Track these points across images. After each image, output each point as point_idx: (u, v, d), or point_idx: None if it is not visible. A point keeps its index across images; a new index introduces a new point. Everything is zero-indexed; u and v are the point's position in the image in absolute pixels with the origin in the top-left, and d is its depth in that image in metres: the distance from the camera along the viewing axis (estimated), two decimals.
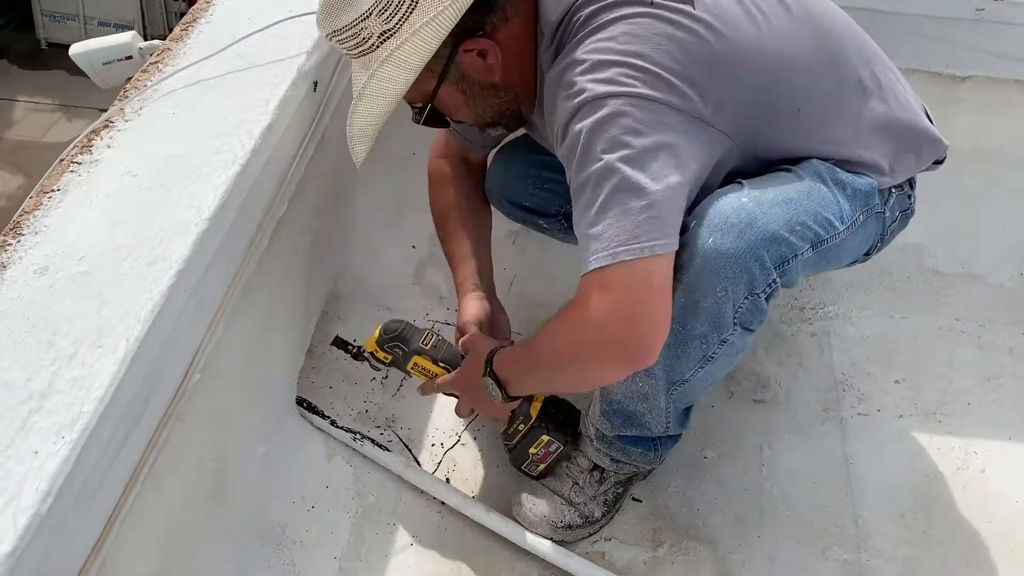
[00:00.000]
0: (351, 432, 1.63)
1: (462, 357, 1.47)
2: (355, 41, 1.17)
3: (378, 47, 1.15)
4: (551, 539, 1.48)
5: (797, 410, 1.73)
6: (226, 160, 1.27)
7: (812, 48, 1.24)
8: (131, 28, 3.99)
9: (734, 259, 1.14)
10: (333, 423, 1.64)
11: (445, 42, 1.16)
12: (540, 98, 1.28)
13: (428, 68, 1.18)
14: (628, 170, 1.06)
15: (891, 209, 1.38)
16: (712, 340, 1.23)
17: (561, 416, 1.52)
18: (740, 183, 1.21)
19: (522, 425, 1.49)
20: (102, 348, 1.03)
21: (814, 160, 1.27)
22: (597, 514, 1.51)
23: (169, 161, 1.27)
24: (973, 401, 1.75)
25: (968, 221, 1.99)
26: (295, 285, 1.63)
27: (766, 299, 1.20)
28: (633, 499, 1.58)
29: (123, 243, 1.15)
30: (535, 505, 1.50)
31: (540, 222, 1.67)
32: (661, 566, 1.50)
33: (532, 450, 1.51)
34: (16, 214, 1.20)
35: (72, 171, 1.26)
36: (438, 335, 1.53)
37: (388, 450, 1.62)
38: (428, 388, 1.53)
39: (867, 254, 1.43)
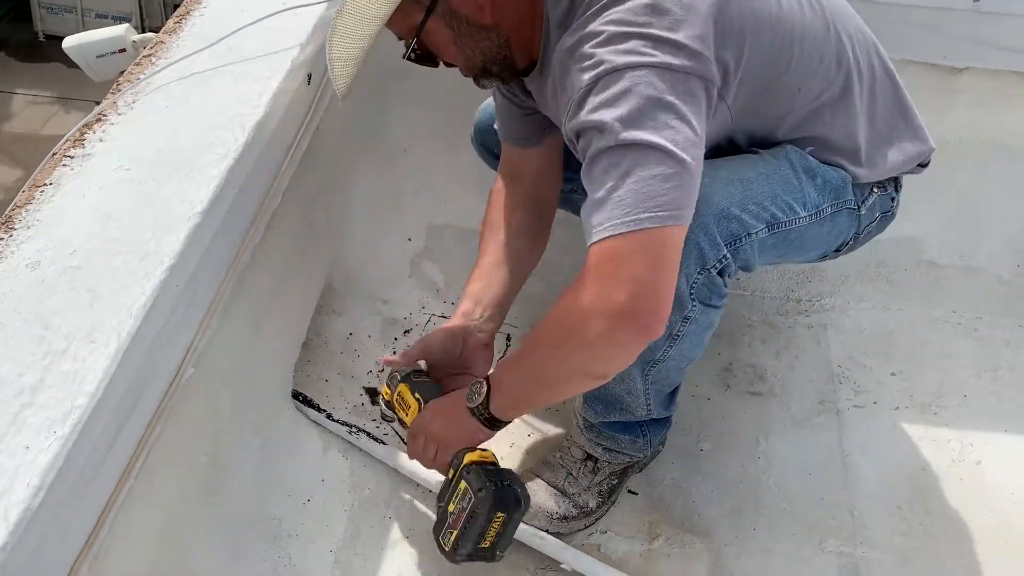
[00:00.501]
0: (347, 425, 1.63)
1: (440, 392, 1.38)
2: None
3: None
4: (547, 531, 1.48)
5: (793, 402, 1.73)
6: (219, 154, 1.27)
7: (821, 28, 1.24)
8: (129, 21, 3.98)
9: None
10: (329, 416, 1.64)
11: None
12: (543, 59, 1.24)
13: None
14: (651, 139, 1.03)
15: (869, 209, 1.38)
16: (674, 317, 1.21)
17: (495, 474, 1.29)
18: None
19: (451, 471, 1.31)
20: (94, 343, 1.02)
21: (787, 146, 1.27)
22: (592, 505, 1.51)
23: (162, 155, 1.27)
24: (970, 393, 1.75)
25: (965, 213, 1.98)
26: (290, 278, 1.63)
27: (719, 274, 1.20)
28: (629, 491, 1.58)
29: (115, 237, 1.15)
30: (530, 496, 1.50)
31: None
32: (657, 559, 1.49)
33: (451, 507, 1.30)
34: (8, 208, 1.20)
35: (65, 165, 1.25)
36: (434, 381, 1.42)
37: (384, 443, 1.62)
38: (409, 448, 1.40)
39: (838, 250, 1.43)
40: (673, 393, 1.46)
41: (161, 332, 1.11)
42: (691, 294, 1.21)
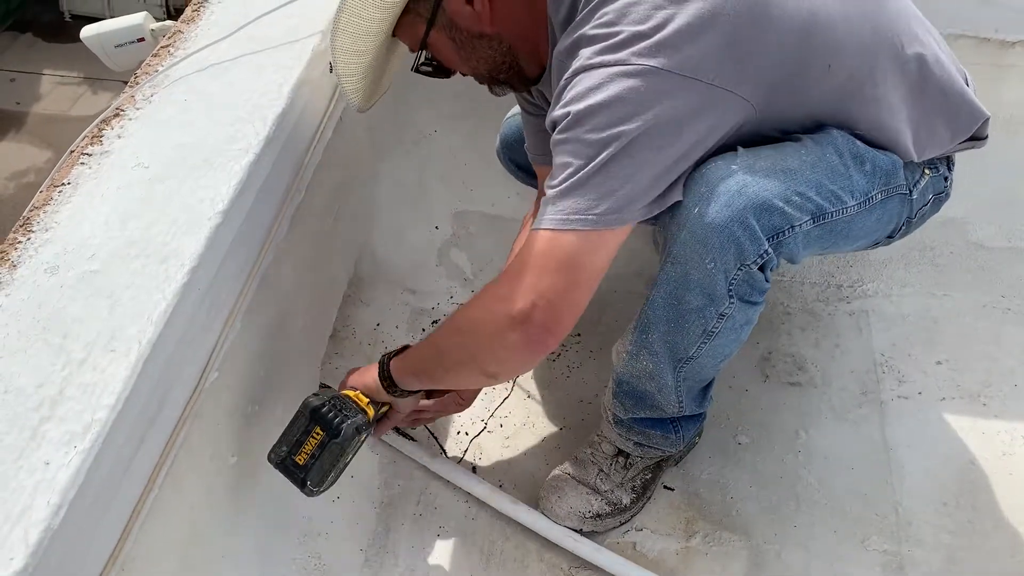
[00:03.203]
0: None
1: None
2: None
3: None
4: (579, 531, 1.45)
5: (834, 393, 1.68)
6: (240, 149, 1.24)
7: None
8: (154, 1, 3.92)
9: (720, 229, 1.11)
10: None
11: None
12: (550, 65, 1.21)
13: (416, 12, 1.16)
14: (606, 144, 1.03)
15: (921, 192, 1.32)
16: (709, 314, 1.20)
17: (344, 405, 1.30)
18: (736, 150, 1.16)
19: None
20: (114, 352, 1.00)
21: (833, 131, 1.21)
22: (626, 501, 1.48)
23: (181, 151, 1.23)
24: (1020, 382, 1.68)
25: (1015, 193, 1.89)
26: (316, 272, 1.59)
27: (760, 269, 1.16)
28: (665, 487, 1.54)
29: (135, 239, 1.12)
30: (562, 496, 1.46)
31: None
32: (694, 557, 1.46)
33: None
34: (27, 209, 1.17)
35: (82, 163, 1.22)
36: None
37: (414, 439, 1.59)
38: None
39: (890, 236, 1.36)
40: (706, 388, 1.41)
41: (183, 337, 1.08)
42: (729, 291, 1.17)
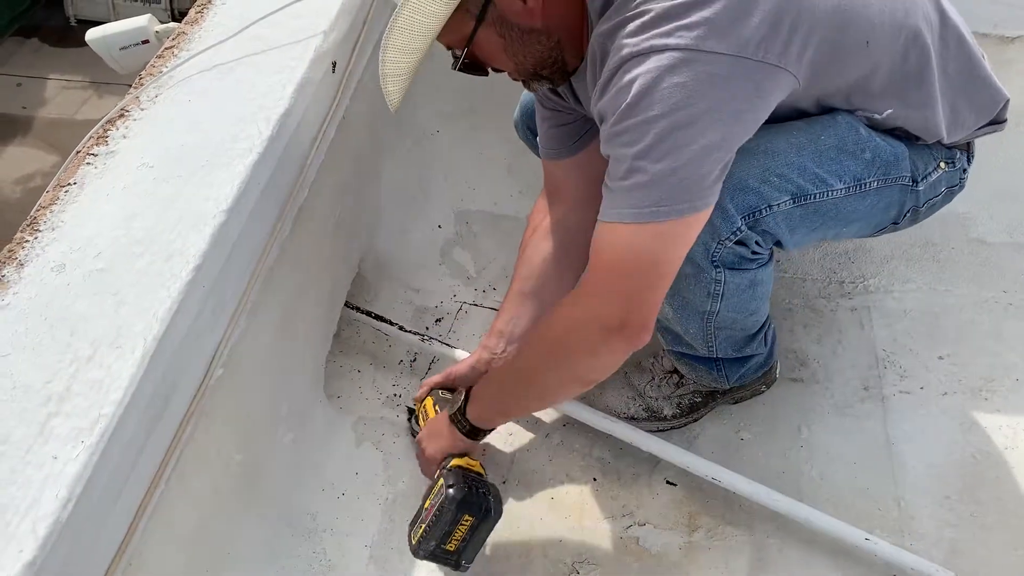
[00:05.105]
0: (418, 334, 1.71)
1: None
2: None
3: None
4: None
5: (836, 389, 1.68)
6: (243, 149, 1.25)
7: None
8: (159, 4, 3.93)
9: None
10: (401, 328, 1.72)
11: None
12: (586, 54, 1.21)
13: (465, 9, 1.14)
14: (666, 133, 1.03)
15: (932, 185, 1.33)
16: (704, 279, 1.26)
17: (474, 480, 1.34)
18: None
19: (436, 472, 1.37)
20: (120, 348, 1.01)
21: (839, 116, 1.23)
22: (666, 412, 1.55)
23: (185, 151, 1.25)
24: (1022, 377, 1.68)
25: (1017, 188, 1.90)
26: (319, 271, 1.60)
27: (738, 244, 1.21)
28: (667, 483, 1.55)
29: (140, 238, 1.13)
30: (603, 390, 1.55)
31: None
32: (697, 552, 1.46)
33: (427, 503, 1.35)
34: (33, 209, 1.19)
35: (88, 163, 1.24)
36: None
37: (453, 347, 1.69)
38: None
39: (895, 223, 1.38)
40: (751, 336, 1.45)
41: (188, 334, 1.10)
42: (713, 262, 1.23)
